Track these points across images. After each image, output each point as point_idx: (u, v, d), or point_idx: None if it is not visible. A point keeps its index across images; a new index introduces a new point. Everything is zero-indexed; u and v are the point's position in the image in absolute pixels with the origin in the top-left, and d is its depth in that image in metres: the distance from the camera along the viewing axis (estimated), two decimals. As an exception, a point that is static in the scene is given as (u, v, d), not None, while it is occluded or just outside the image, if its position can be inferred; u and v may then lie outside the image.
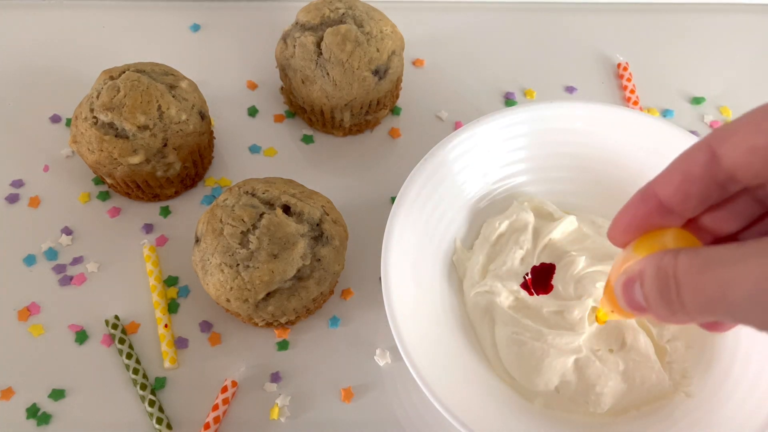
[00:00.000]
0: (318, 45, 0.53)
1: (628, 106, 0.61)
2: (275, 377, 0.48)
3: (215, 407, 0.46)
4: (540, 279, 0.48)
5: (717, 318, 0.22)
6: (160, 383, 0.48)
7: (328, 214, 0.47)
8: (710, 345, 0.46)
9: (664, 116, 0.62)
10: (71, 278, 0.52)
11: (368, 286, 0.52)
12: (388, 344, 0.49)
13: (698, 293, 0.22)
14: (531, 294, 0.48)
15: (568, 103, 0.52)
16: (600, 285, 0.47)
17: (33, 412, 0.46)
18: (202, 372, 0.48)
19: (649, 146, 0.51)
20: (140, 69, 0.51)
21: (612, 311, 0.32)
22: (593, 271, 0.48)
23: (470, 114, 0.61)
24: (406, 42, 0.59)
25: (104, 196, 0.55)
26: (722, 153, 0.25)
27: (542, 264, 0.49)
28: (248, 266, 0.44)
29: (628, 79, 0.63)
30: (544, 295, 0.48)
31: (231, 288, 0.44)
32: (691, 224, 0.29)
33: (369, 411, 0.47)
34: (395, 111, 0.61)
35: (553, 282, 0.48)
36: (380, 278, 0.44)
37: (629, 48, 0.66)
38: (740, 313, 0.21)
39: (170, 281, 0.52)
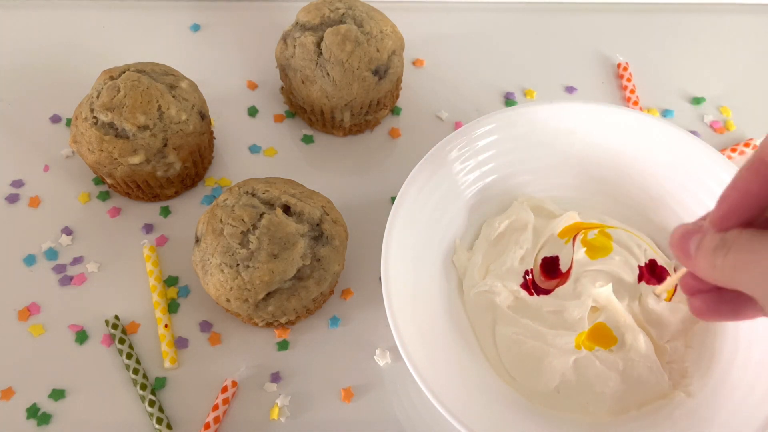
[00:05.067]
0: (318, 45, 0.53)
1: (628, 106, 0.61)
2: (275, 377, 0.48)
3: (215, 407, 0.46)
4: (549, 268, 0.48)
5: (733, 282, 0.26)
6: (160, 383, 0.48)
7: (328, 214, 0.47)
8: (710, 345, 0.46)
9: (664, 116, 0.62)
10: (71, 278, 0.52)
11: (368, 286, 0.52)
12: (388, 344, 0.49)
13: (737, 256, 0.26)
14: (531, 294, 0.48)
15: (568, 103, 0.52)
16: (599, 284, 0.47)
17: (33, 412, 0.46)
18: (202, 372, 0.48)
19: (649, 146, 0.51)
20: (140, 69, 0.51)
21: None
22: (593, 269, 0.48)
23: (470, 114, 0.61)
24: (406, 42, 0.59)
25: (104, 196, 0.55)
26: None
27: (545, 258, 0.49)
28: (248, 266, 0.44)
29: (628, 79, 0.63)
30: (545, 295, 0.48)
31: (231, 288, 0.44)
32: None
33: (369, 411, 0.47)
34: (395, 111, 0.61)
35: (553, 282, 0.49)
36: (380, 278, 0.44)
37: (629, 48, 0.66)
38: (745, 281, 0.25)
39: (170, 281, 0.52)
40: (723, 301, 0.31)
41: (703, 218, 0.31)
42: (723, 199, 0.28)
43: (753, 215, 0.27)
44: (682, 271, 0.33)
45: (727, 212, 0.27)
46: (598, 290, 0.46)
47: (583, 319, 0.46)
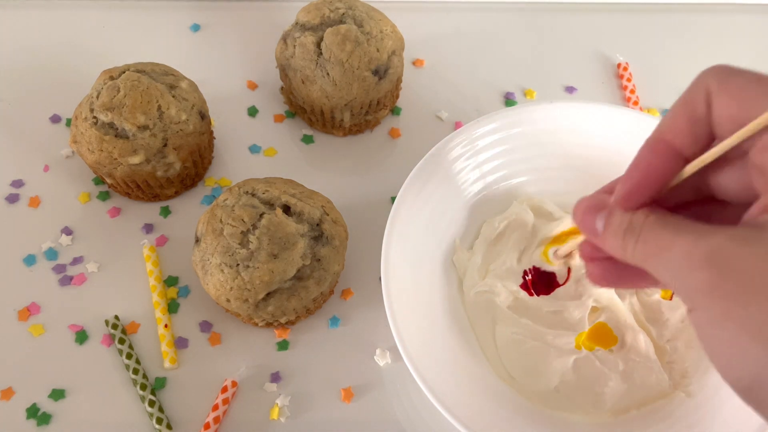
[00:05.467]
0: (318, 45, 0.53)
1: (628, 106, 0.61)
2: (275, 377, 0.48)
3: (215, 407, 0.46)
4: (545, 284, 0.48)
5: (646, 266, 0.26)
6: (160, 383, 0.48)
7: (328, 214, 0.47)
8: (710, 345, 0.46)
9: (664, 116, 0.62)
10: (71, 278, 0.52)
11: (368, 286, 0.52)
12: (388, 344, 0.49)
13: (648, 244, 0.26)
14: (531, 295, 0.48)
15: (568, 103, 0.52)
16: None
17: (33, 412, 0.46)
18: (202, 372, 0.48)
19: (649, 146, 0.51)
20: (140, 69, 0.51)
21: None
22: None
23: (470, 114, 0.61)
24: (406, 42, 0.59)
25: (104, 196, 0.55)
26: (714, 103, 0.26)
27: (540, 272, 0.49)
28: (248, 266, 0.44)
29: (628, 79, 0.63)
30: (544, 295, 0.48)
31: (231, 288, 0.44)
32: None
33: (369, 411, 0.47)
34: (395, 111, 0.61)
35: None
36: (380, 278, 0.44)
37: (629, 48, 0.66)
38: (658, 269, 0.26)
39: (170, 281, 0.52)
40: (619, 269, 0.31)
41: (604, 190, 0.31)
42: (626, 178, 0.28)
43: (656, 192, 0.28)
44: (581, 237, 0.33)
45: (631, 191, 0.28)
46: (600, 290, 0.46)
47: (584, 319, 0.46)
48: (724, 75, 0.25)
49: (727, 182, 0.28)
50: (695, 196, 0.30)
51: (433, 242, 0.49)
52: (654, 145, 0.28)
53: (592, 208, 0.29)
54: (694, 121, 0.26)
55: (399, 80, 0.59)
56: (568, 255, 0.37)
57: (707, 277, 0.23)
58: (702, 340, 0.25)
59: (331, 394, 0.48)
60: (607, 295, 0.46)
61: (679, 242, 0.25)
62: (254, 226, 0.44)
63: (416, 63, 0.65)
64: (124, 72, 0.51)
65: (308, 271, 0.46)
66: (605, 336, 0.46)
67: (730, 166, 0.27)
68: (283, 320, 0.48)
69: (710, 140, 0.27)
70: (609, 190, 0.30)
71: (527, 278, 0.48)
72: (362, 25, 0.54)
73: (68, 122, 0.59)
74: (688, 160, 0.27)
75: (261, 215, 0.45)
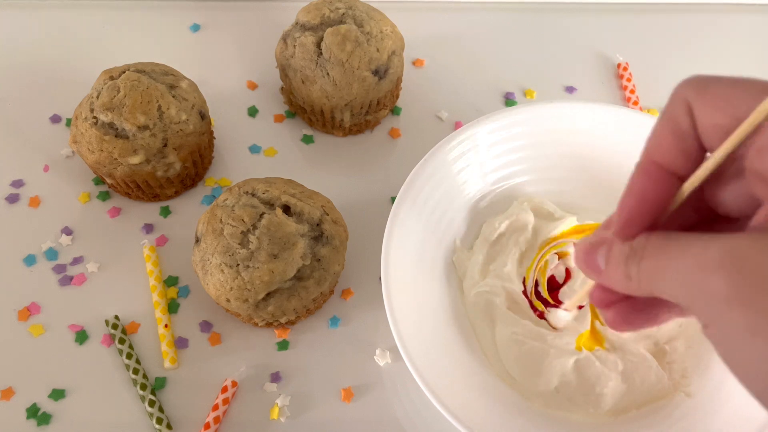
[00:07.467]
0: (318, 45, 0.53)
1: (628, 106, 0.61)
2: (275, 377, 0.48)
3: (215, 407, 0.46)
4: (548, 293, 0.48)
5: (654, 290, 0.24)
6: (160, 383, 0.48)
7: (328, 214, 0.47)
8: (710, 345, 0.46)
9: (664, 116, 0.62)
10: (71, 278, 0.52)
11: (368, 286, 0.52)
12: (388, 344, 0.49)
13: (652, 260, 0.25)
14: (534, 311, 0.48)
15: (568, 103, 0.52)
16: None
17: (33, 412, 0.46)
18: (202, 372, 0.48)
19: (649, 146, 0.51)
20: (140, 69, 0.51)
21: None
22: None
23: (470, 114, 0.61)
24: (406, 42, 0.59)
25: (104, 196, 0.55)
26: (696, 114, 0.24)
27: (553, 279, 0.49)
28: (248, 266, 0.44)
29: (628, 79, 0.63)
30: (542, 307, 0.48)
31: (231, 288, 0.44)
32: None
33: (369, 411, 0.47)
34: (395, 111, 0.61)
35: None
36: (380, 278, 0.44)
37: (629, 48, 0.66)
38: (668, 286, 0.24)
39: (170, 281, 0.52)
40: (636, 309, 0.29)
41: (603, 227, 0.30)
42: (621, 207, 0.26)
43: (654, 218, 0.26)
44: (589, 284, 0.31)
45: (628, 220, 0.26)
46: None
47: (584, 320, 0.46)
48: (700, 84, 0.24)
49: (728, 196, 0.26)
50: (698, 217, 0.28)
51: (433, 242, 0.49)
52: (644, 167, 0.26)
53: (592, 246, 0.28)
54: (680, 137, 0.25)
55: (399, 80, 0.59)
56: (579, 306, 0.37)
57: (724, 283, 0.21)
58: (723, 354, 0.23)
59: (331, 394, 0.48)
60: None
61: (689, 250, 0.23)
62: (254, 226, 0.44)
63: (416, 63, 0.65)
64: (124, 72, 0.51)
65: (308, 271, 0.46)
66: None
67: (728, 177, 0.26)
68: (283, 320, 0.48)
69: (701, 154, 0.25)
70: (608, 225, 0.29)
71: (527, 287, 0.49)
72: (362, 25, 0.54)
73: (68, 122, 0.59)
74: (683, 180, 0.26)
75: (261, 215, 0.45)
